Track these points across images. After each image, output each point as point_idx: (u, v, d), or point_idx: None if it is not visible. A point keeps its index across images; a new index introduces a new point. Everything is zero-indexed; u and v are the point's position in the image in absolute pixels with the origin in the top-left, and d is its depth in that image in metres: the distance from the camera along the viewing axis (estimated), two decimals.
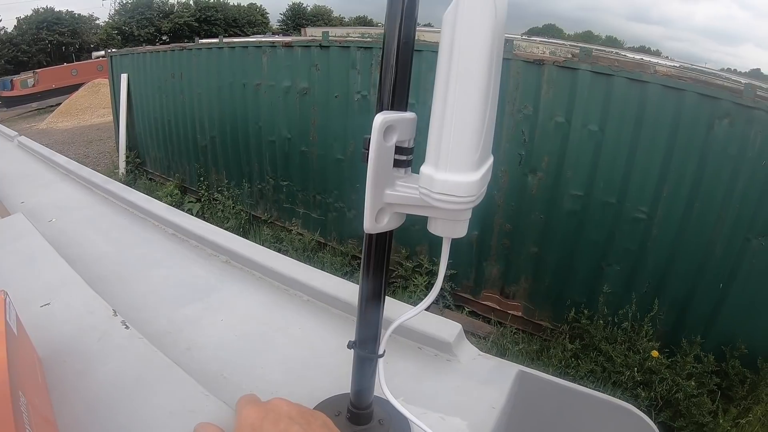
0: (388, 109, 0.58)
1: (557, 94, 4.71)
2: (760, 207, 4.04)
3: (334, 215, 6.83)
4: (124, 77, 10.32)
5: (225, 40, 8.35)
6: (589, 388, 1.02)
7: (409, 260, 5.92)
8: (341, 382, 0.83)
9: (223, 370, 1.01)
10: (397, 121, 0.56)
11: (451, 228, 0.59)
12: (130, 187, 2.03)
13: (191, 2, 52.74)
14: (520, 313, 5.46)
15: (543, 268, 5.21)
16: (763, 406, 3.91)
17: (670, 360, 4.35)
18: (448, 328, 1.12)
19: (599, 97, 4.51)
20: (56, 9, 46.46)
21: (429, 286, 5.31)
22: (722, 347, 4.32)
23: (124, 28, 47.27)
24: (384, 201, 0.60)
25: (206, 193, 8.71)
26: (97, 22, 50.63)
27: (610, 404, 1.00)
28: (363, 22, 65.97)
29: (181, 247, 1.57)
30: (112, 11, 50.26)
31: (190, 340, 1.10)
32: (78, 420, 0.73)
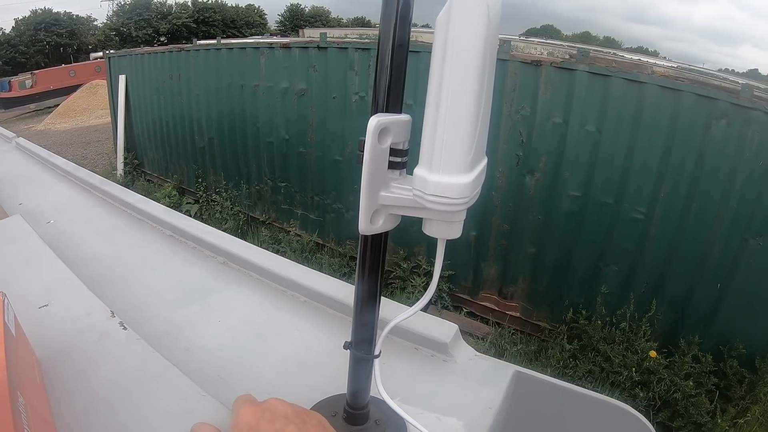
0: (383, 111, 0.58)
1: (555, 94, 4.71)
2: (757, 207, 4.04)
3: (332, 216, 6.83)
4: (122, 78, 10.31)
5: (223, 41, 8.35)
6: (587, 388, 1.02)
7: (406, 261, 5.92)
8: (338, 383, 0.84)
9: (220, 371, 1.02)
10: (392, 123, 0.57)
11: (445, 229, 0.60)
12: (128, 188, 2.03)
13: (189, 3, 52.74)
14: (518, 314, 5.46)
15: (541, 269, 5.21)
16: (761, 406, 3.92)
17: (668, 360, 4.35)
18: (445, 328, 1.12)
19: (597, 97, 4.52)
20: (54, 10, 46.52)
21: (427, 287, 5.31)
22: (720, 347, 4.32)
23: (122, 29, 47.28)
24: (379, 203, 0.60)
25: (204, 195, 8.71)
26: (95, 23, 50.66)
27: (607, 404, 1.00)
28: (361, 23, 65.93)
29: (179, 249, 1.57)
30: (110, 12, 50.34)
31: (188, 341, 1.11)
32: (76, 420, 0.74)
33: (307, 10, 70.69)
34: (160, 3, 50.99)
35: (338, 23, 71.04)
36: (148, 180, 10.43)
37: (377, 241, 0.67)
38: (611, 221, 4.68)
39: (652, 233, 4.52)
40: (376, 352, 0.75)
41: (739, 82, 6.24)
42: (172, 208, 1.83)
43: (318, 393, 0.90)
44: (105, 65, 11.28)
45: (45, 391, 0.76)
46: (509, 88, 4.89)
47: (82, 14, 50.22)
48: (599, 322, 4.70)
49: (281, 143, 7.09)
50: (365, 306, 0.72)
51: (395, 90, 0.59)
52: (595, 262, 4.87)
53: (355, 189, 6.14)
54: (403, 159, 0.60)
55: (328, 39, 6.25)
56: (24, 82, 24.66)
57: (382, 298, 0.75)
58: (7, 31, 43.98)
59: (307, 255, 6.81)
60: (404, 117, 0.59)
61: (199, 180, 8.84)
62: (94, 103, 20.31)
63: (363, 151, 0.56)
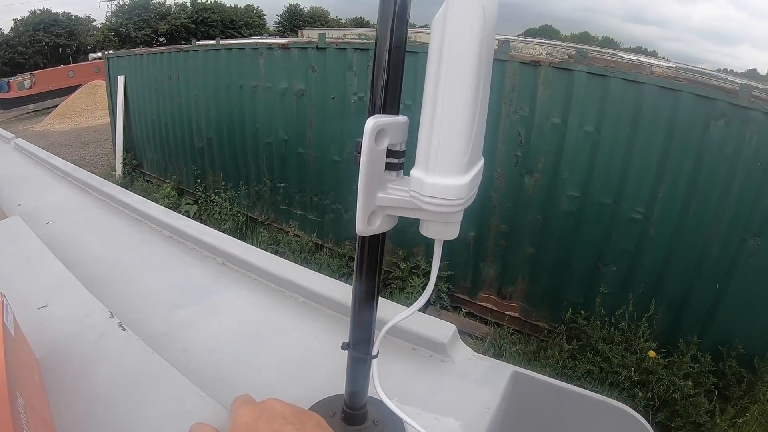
0: (380, 113, 0.59)
1: (553, 95, 4.71)
2: (756, 207, 4.05)
3: (331, 217, 6.83)
4: (121, 79, 10.30)
5: (222, 42, 8.35)
6: (585, 388, 1.02)
7: (405, 261, 5.92)
8: (336, 383, 0.84)
9: (219, 372, 1.02)
10: (389, 124, 0.57)
11: (442, 230, 0.60)
12: (127, 189, 2.04)
13: (188, 4, 52.70)
14: (517, 314, 5.47)
15: (540, 269, 5.22)
16: (760, 406, 3.92)
17: (667, 360, 4.36)
18: (443, 329, 1.13)
19: (595, 98, 4.52)
20: (53, 11, 46.42)
21: (425, 287, 5.32)
22: (719, 347, 4.32)
23: (121, 29, 47.23)
24: (376, 204, 0.60)
25: (203, 195, 8.71)
26: (94, 23, 50.56)
27: (605, 404, 1.00)
28: (360, 23, 65.94)
29: (178, 250, 1.58)
30: (109, 13, 50.29)
31: (187, 342, 1.11)
32: (75, 421, 0.74)
33: (306, 11, 70.67)
34: (159, 3, 50.98)
35: (337, 24, 71.08)
36: (147, 181, 10.42)
37: (375, 242, 0.67)
38: (610, 221, 4.69)
39: (650, 233, 4.52)
40: (374, 353, 0.75)
41: (738, 82, 6.24)
42: (170, 208, 1.83)
43: (316, 393, 0.90)
44: (104, 66, 11.28)
45: (44, 392, 0.77)
46: (508, 88, 4.89)
47: (81, 15, 50.13)
48: (598, 322, 4.70)
49: (280, 144, 7.09)
50: (363, 307, 0.72)
51: (392, 91, 0.59)
52: (593, 262, 4.87)
53: (353, 189, 6.11)
54: (400, 160, 0.60)
55: (326, 39, 6.25)
56: (23, 83, 24.60)
57: (380, 298, 0.75)
58: (5, 32, 43.95)
59: (306, 256, 6.82)
60: (401, 118, 0.59)
61: (198, 181, 8.84)
62: (93, 104, 20.28)
63: (360, 153, 0.56)
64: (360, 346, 0.75)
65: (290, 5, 68.77)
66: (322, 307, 1.27)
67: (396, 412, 0.73)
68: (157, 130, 9.70)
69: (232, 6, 57.74)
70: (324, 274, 1.37)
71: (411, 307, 0.70)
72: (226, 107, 7.79)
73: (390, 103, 0.59)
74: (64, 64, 31.35)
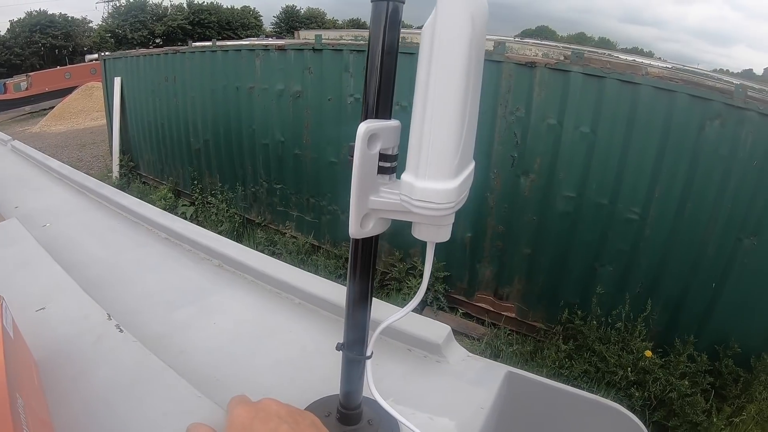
0: (372, 117, 0.60)
1: (549, 96, 4.72)
2: (751, 207, 4.06)
3: (328, 218, 6.83)
4: (117, 80, 10.29)
5: (218, 43, 8.35)
6: (581, 388, 1.03)
7: (402, 262, 5.93)
8: (332, 384, 0.85)
9: (215, 373, 1.02)
10: (381, 129, 0.58)
11: (434, 233, 0.61)
12: (124, 190, 2.04)
13: (184, 5, 52.65)
14: (513, 315, 5.47)
15: (536, 270, 5.22)
16: (756, 405, 3.93)
17: (663, 360, 4.37)
18: (438, 329, 1.13)
19: (591, 98, 4.53)
20: (49, 12, 46.35)
21: None
22: (715, 346, 4.34)
23: (117, 31, 47.20)
24: (369, 207, 0.61)
25: (200, 197, 8.70)
26: (91, 25, 50.50)
27: (599, 404, 1.01)
28: (356, 24, 65.91)
29: (175, 252, 1.58)
30: (106, 14, 50.26)
31: (184, 344, 1.12)
32: (74, 421, 0.75)
33: (302, 12, 70.73)
34: (155, 5, 50.96)
35: (334, 25, 71.11)
36: (144, 182, 10.42)
37: (368, 245, 0.68)
38: (606, 222, 4.70)
39: (646, 233, 4.53)
40: (368, 354, 0.76)
41: (734, 82, 6.25)
42: (167, 210, 1.85)
43: (312, 393, 0.91)
44: (100, 67, 11.27)
45: (43, 393, 0.77)
46: (504, 89, 4.90)
47: (78, 16, 50.04)
48: (595, 322, 4.71)
49: (277, 145, 7.09)
50: (357, 308, 0.73)
51: (384, 96, 0.60)
52: (590, 263, 4.88)
53: (350, 191, 6.15)
54: (392, 164, 0.61)
55: (323, 41, 6.25)
56: (19, 84, 24.51)
57: (375, 299, 0.76)
58: (1, 33, 43.95)
59: (303, 257, 6.81)
60: (393, 123, 0.60)
61: (195, 182, 8.83)
62: (90, 105, 20.24)
63: (353, 157, 0.57)
64: (354, 347, 0.76)
65: (286, 6, 68.82)
66: (317, 309, 1.28)
67: (390, 412, 0.74)
68: (153, 132, 9.69)
69: (229, 7, 57.76)
70: (321, 275, 1.38)
71: (404, 308, 0.71)
72: (222, 109, 7.78)
73: (382, 108, 0.60)
74: (60, 66, 31.29)
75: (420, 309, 5.51)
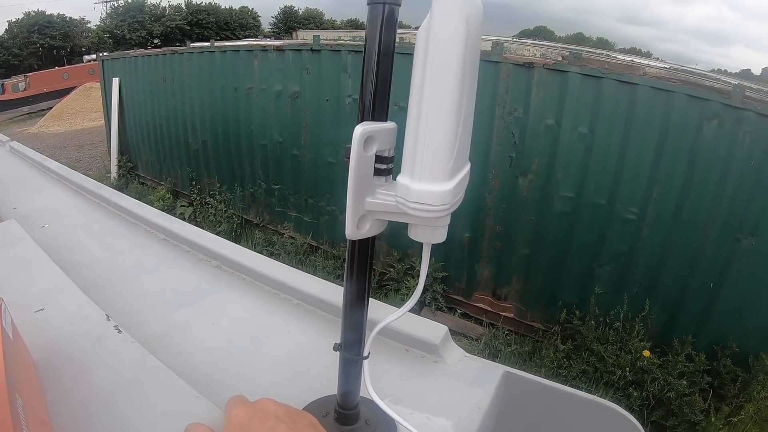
0: (369, 119, 0.60)
1: (547, 96, 4.73)
2: (749, 207, 4.07)
3: (326, 218, 6.84)
4: (115, 81, 10.29)
5: (216, 43, 8.35)
6: (579, 388, 1.03)
7: (401, 263, 5.93)
8: (330, 384, 0.85)
9: (214, 373, 1.03)
10: (377, 131, 0.58)
11: (430, 234, 0.61)
12: (122, 191, 2.05)
13: (183, 5, 52.64)
14: (512, 315, 5.48)
15: (534, 270, 5.23)
16: (754, 404, 3.94)
17: (661, 359, 4.37)
18: (435, 330, 1.14)
19: (589, 99, 4.54)
20: (48, 12, 46.39)
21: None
22: (714, 346, 4.34)
23: (115, 31, 47.16)
24: (365, 208, 0.61)
25: (198, 197, 8.70)
26: (89, 25, 50.52)
27: (596, 404, 1.01)
28: (354, 25, 65.81)
29: (173, 253, 1.59)
30: (104, 15, 50.21)
31: (182, 344, 1.12)
32: (73, 422, 0.75)
33: (300, 12, 70.73)
34: (153, 5, 50.94)
35: (332, 25, 71.05)
36: (142, 183, 10.42)
37: (364, 246, 0.68)
38: (604, 222, 4.70)
39: (644, 234, 4.54)
40: (365, 354, 0.76)
41: (732, 82, 6.27)
42: (165, 211, 1.85)
43: (310, 393, 0.91)
44: (98, 68, 11.26)
45: (42, 393, 0.78)
46: (502, 89, 4.90)
47: (76, 16, 50.04)
48: (593, 322, 4.71)
49: (275, 146, 7.09)
50: (354, 309, 0.73)
51: (381, 98, 0.60)
52: (588, 263, 4.88)
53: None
54: (388, 166, 0.61)
55: (321, 41, 6.25)
56: (17, 85, 24.47)
57: (373, 300, 0.77)
58: (0, 34, 43.88)
59: (302, 257, 6.81)
60: (389, 125, 0.60)
61: (193, 183, 8.83)
62: (88, 106, 20.24)
63: (349, 159, 0.58)
64: (351, 348, 0.76)
65: (285, 7, 68.82)
66: (315, 309, 1.28)
67: (387, 411, 0.74)
68: (151, 133, 9.69)
69: (227, 8, 57.72)
70: (319, 275, 1.38)
71: (401, 308, 0.71)
72: (220, 109, 7.79)
73: (378, 110, 0.60)
74: (58, 66, 31.23)
75: (418, 309, 5.52)
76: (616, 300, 4.65)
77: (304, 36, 24.71)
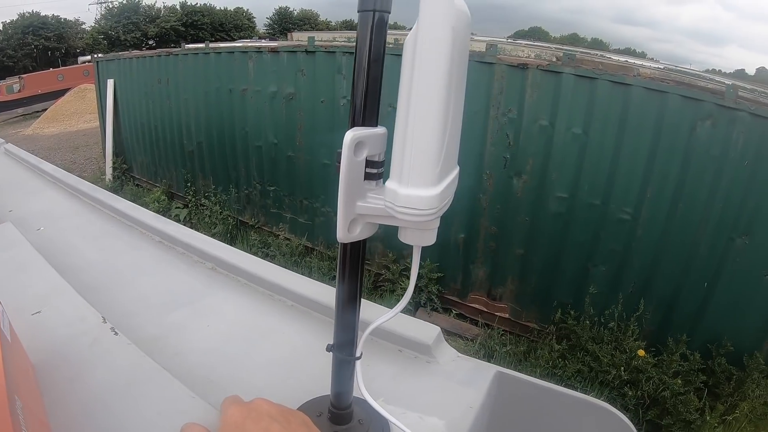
0: (359, 124, 0.61)
1: (541, 97, 4.74)
2: (743, 207, 4.09)
3: (321, 220, 6.84)
4: (110, 83, 10.27)
5: (211, 45, 8.34)
6: (574, 388, 1.04)
7: (396, 264, 5.94)
8: (323, 384, 0.85)
9: (209, 374, 1.03)
10: (367, 136, 0.59)
11: (419, 237, 0.62)
12: (117, 193, 2.05)
13: (178, 7, 52.54)
14: (507, 315, 5.49)
15: (529, 270, 5.24)
16: (749, 403, 3.96)
17: (656, 359, 4.39)
18: (428, 330, 1.14)
19: (583, 100, 4.55)
20: (42, 13, 46.16)
21: (416, 289, 5.32)
22: (708, 345, 4.36)
23: (110, 32, 47.06)
24: (356, 212, 0.62)
25: (193, 199, 8.70)
26: (84, 26, 50.35)
27: (588, 404, 1.02)
28: (349, 26, 65.80)
29: (168, 255, 1.59)
30: (99, 16, 50.13)
31: (178, 346, 1.12)
32: (70, 422, 0.76)
33: (295, 14, 70.61)
34: (148, 6, 50.84)
35: (327, 26, 71.07)
36: (137, 185, 10.40)
37: (356, 249, 0.69)
38: (598, 222, 4.72)
39: (639, 234, 4.56)
40: (358, 354, 0.77)
41: (726, 82, 6.28)
42: (161, 212, 1.85)
43: (304, 394, 0.92)
44: (93, 69, 11.24)
45: (40, 395, 0.78)
46: (496, 90, 4.92)
47: (70, 18, 49.83)
48: (588, 322, 4.73)
49: (270, 147, 7.09)
50: (346, 310, 0.74)
51: (371, 103, 0.61)
52: (583, 263, 4.90)
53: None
54: (378, 170, 0.62)
55: (316, 43, 6.26)
56: (12, 87, 24.33)
57: (366, 301, 0.78)
58: None
59: (297, 259, 6.81)
60: (380, 130, 0.61)
61: (188, 184, 8.82)
62: (83, 108, 20.17)
63: (341, 163, 0.59)
64: (344, 348, 0.77)
65: (280, 8, 68.73)
66: (309, 310, 1.29)
67: (380, 411, 0.75)
68: (146, 134, 9.67)
69: (222, 9, 57.62)
70: (314, 277, 1.39)
71: (392, 309, 0.72)
72: (215, 111, 7.78)
73: (369, 115, 0.61)
74: (53, 68, 31.17)
75: (413, 310, 5.53)
76: (610, 300, 4.67)
77: (299, 37, 24.66)
